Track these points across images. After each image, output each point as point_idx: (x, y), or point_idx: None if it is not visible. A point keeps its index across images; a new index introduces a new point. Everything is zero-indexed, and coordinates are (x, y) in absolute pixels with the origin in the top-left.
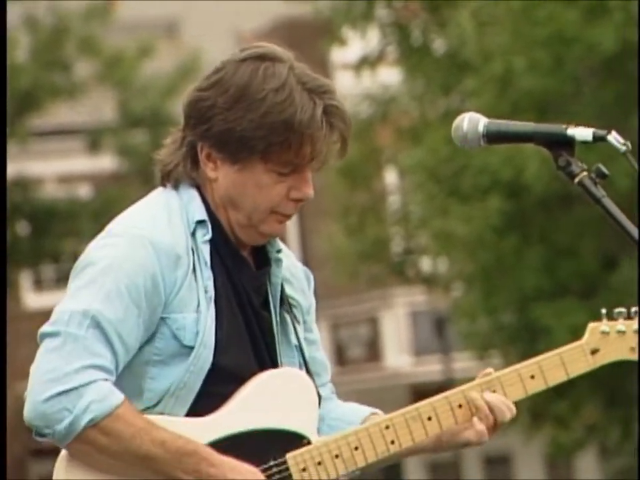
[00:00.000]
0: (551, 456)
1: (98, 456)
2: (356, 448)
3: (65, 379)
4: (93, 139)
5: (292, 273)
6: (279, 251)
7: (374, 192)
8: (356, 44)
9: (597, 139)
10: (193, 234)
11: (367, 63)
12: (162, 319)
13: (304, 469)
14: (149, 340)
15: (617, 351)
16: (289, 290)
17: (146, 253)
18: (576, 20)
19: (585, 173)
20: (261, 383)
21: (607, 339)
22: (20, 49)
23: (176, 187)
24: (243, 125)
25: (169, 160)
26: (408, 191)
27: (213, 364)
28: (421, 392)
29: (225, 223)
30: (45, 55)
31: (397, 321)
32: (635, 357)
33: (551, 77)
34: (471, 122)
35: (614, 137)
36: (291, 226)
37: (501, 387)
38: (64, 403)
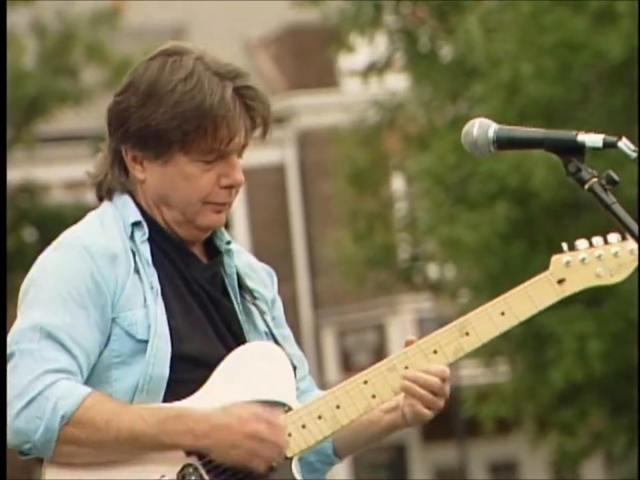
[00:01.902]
0: (556, 463)
1: (84, 451)
2: (337, 407)
3: (27, 390)
4: (100, 145)
5: (251, 267)
6: (228, 242)
7: (381, 198)
8: (363, 50)
9: (607, 146)
10: (132, 237)
11: (375, 69)
12: (113, 320)
13: (289, 434)
14: (105, 344)
15: (583, 278)
16: (249, 282)
17: (80, 256)
18: (584, 27)
19: (595, 179)
20: (233, 359)
21: (572, 269)
22: (27, 55)
23: (110, 196)
24: (156, 119)
25: (99, 172)
26: (415, 198)
27: (175, 353)
28: None
29: (162, 222)
30: (52, 61)
31: (403, 328)
32: (600, 282)
33: (558, 84)
34: (481, 128)
35: (624, 144)
36: (298, 232)
37: (472, 327)
38: (32, 412)
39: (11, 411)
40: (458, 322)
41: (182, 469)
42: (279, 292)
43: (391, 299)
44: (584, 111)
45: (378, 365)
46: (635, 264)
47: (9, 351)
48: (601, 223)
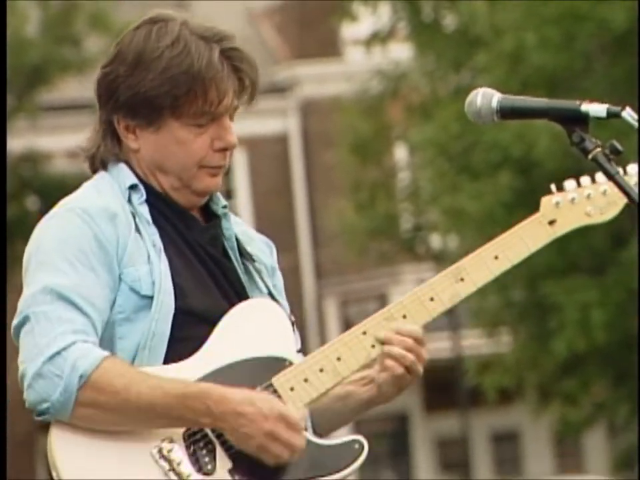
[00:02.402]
0: (559, 433)
1: (102, 416)
2: (338, 359)
3: (46, 349)
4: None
5: (248, 236)
6: (225, 207)
7: (384, 168)
8: (367, 20)
9: (611, 115)
10: (129, 200)
11: (378, 39)
12: (119, 277)
13: (292, 389)
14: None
15: (573, 218)
16: (248, 248)
17: (80, 219)
18: None
19: (599, 149)
20: (233, 316)
21: (561, 209)
22: (30, 24)
23: (104, 167)
24: (146, 86)
25: (92, 144)
26: (418, 167)
27: (178, 309)
28: (430, 369)
29: (159, 189)
30: (54, 30)
31: None
32: (591, 221)
33: (561, 54)
34: (485, 97)
35: (628, 113)
36: (300, 202)
37: (467, 272)
38: (52, 370)
39: (31, 371)
40: (452, 268)
41: (187, 429)
42: (282, 261)
43: (394, 269)
44: (587, 81)
45: (375, 315)
46: (624, 201)
47: (21, 315)
48: None
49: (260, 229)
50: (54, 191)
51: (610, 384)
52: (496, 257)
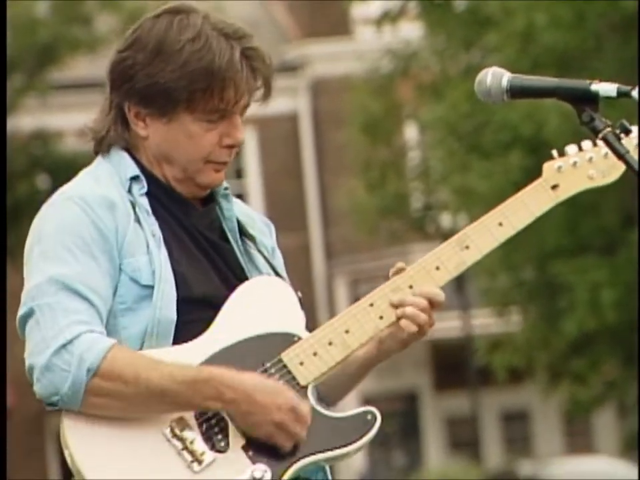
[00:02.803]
0: (569, 413)
1: (113, 404)
2: (346, 331)
3: (52, 341)
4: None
5: (248, 216)
6: (226, 188)
7: (394, 147)
8: None
9: (621, 95)
10: (130, 191)
11: (388, 18)
12: (119, 266)
13: (301, 363)
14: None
15: (576, 182)
16: (248, 229)
17: (79, 207)
18: None
19: (608, 129)
20: (239, 296)
21: (564, 174)
22: (41, 3)
23: (107, 152)
24: (164, 77)
25: (100, 127)
26: (428, 147)
27: (181, 296)
28: (440, 348)
29: (162, 179)
30: (65, 9)
31: None
32: (594, 184)
33: (572, 33)
34: (495, 76)
35: (638, 93)
36: (311, 182)
37: (471, 240)
38: (59, 364)
39: (39, 364)
40: (457, 237)
41: None
42: (292, 241)
43: (404, 248)
44: (598, 60)
45: (382, 286)
46: None
47: (27, 307)
48: None
49: (270, 208)
50: (64, 169)
51: (620, 363)
52: (500, 224)
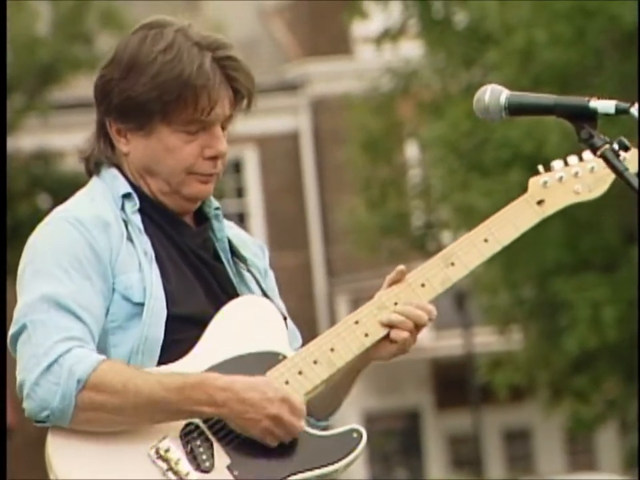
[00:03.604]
0: (570, 430)
1: (102, 417)
2: (331, 349)
3: (43, 358)
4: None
5: (241, 239)
6: (217, 208)
7: (395, 166)
8: (377, 17)
9: (620, 112)
10: (122, 208)
11: (389, 36)
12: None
13: (286, 382)
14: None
15: (562, 197)
16: (240, 250)
17: (74, 228)
18: None
19: (607, 146)
20: (224, 315)
21: (549, 189)
22: (41, 22)
23: (98, 171)
24: (137, 90)
25: (87, 147)
26: (429, 165)
27: (170, 314)
28: (442, 366)
29: (150, 194)
30: (66, 28)
31: None
32: (580, 199)
33: (572, 50)
34: (493, 94)
35: (637, 110)
36: (311, 200)
37: (457, 257)
38: (50, 379)
39: (29, 380)
40: (441, 254)
41: (184, 428)
42: (293, 259)
43: (405, 266)
44: (598, 77)
45: (367, 304)
46: (612, 177)
47: (19, 324)
48: (615, 190)
49: (271, 226)
50: (65, 188)
51: (621, 381)
52: (485, 240)
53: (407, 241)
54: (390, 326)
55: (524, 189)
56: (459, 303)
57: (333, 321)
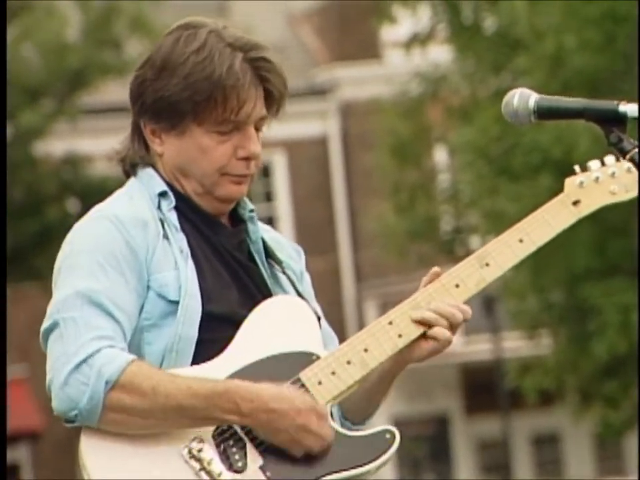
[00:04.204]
0: (600, 436)
1: (130, 419)
2: (365, 350)
3: (73, 357)
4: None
5: (277, 242)
6: (251, 211)
7: (424, 170)
8: (406, 22)
9: None
10: (159, 207)
11: (418, 41)
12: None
13: (319, 382)
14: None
15: (598, 197)
16: (278, 254)
17: (112, 225)
18: None
19: (636, 149)
20: (257, 315)
21: (586, 189)
22: (71, 28)
23: (134, 172)
24: (169, 91)
25: (122, 148)
26: (458, 170)
27: (205, 313)
28: (471, 371)
29: (184, 194)
30: (95, 34)
31: None
32: (616, 199)
33: (602, 55)
34: (522, 98)
35: None
36: (340, 205)
37: (492, 257)
38: (79, 378)
39: (58, 378)
40: (476, 254)
41: (217, 428)
42: (322, 264)
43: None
44: (628, 82)
45: (401, 304)
46: None
47: (51, 320)
48: None
49: (300, 231)
50: (94, 193)
51: None
52: (520, 240)
53: (435, 246)
54: (423, 323)
55: (553, 194)
56: (487, 307)
57: (361, 326)
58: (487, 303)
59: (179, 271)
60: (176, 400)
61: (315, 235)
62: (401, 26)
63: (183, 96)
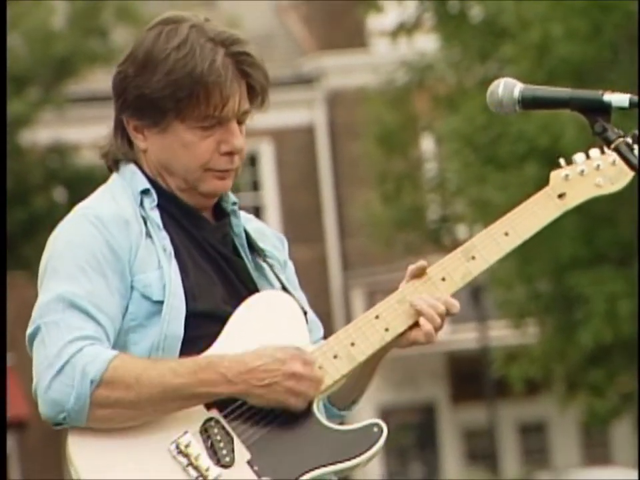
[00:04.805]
0: (586, 424)
1: (118, 412)
2: (352, 344)
3: (55, 359)
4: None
5: (260, 232)
6: (234, 203)
7: (410, 159)
8: (393, 11)
9: (634, 105)
10: (141, 204)
11: (404, 30)
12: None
13: None
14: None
15: (583, 190)
16: (259, 243)
17: (93, 226)
18: None
19: (621, 139)
20: (244, 310)
21: (571, 182)
22: (57, 16)
23: (116, 167)
24: (151, 87)
25: (106, 143)
26: (444, 159)
27: (189, 311)
28: (457, 360)
29: (168, 190)
30: (82, 22)
31: None
32: (601, 192)
33: (588, 45)
34: (506, 87)
35: None
36: (327, 194)
37: (477, 250)
38: (63, 380)
39: (42, 383)
40: (462, 247)
41: (204, 423)
42: (308, 253)
43: (420, 260)
44: (614, 72)
45: (388, 298)
46: None
47: (34, 325)
48: (631, 184)
49: (286, 220)
50: (81, 182)
51: (636, 375)
52: (506, 234)
53: (422, 235)
54: (419, 313)
55: (540, 183)
56: (474, 296)
57: (348, 314)
58: (474, 291)
59: (162, 270)
60: (162, 385)
61: (301, 224)
62: (387, 15)
63: (165, 93)
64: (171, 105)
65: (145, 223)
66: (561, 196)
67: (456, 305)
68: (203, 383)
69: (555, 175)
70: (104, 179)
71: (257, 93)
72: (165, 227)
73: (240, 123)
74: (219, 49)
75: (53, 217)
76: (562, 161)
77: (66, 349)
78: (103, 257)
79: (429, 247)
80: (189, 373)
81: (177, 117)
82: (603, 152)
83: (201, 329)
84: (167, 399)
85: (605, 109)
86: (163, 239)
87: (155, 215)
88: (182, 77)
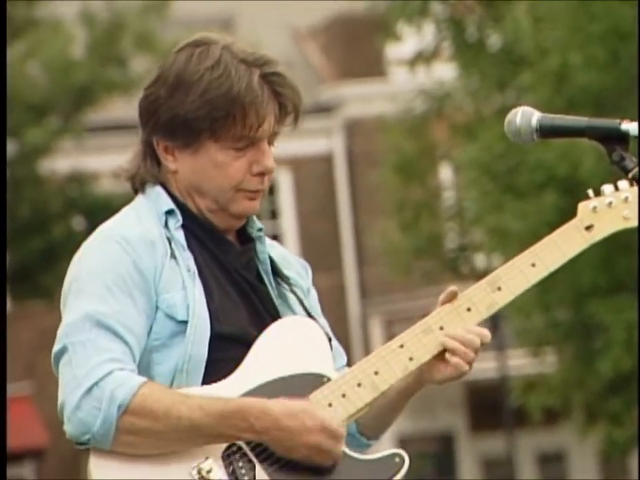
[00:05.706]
0: (605, 453)
1: (143, 441)
2: (375, 373)
3: (84, 380)
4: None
5: (284, 259)
6: (260, 229)
7: (428, 188)
8: (411, 39)
9: None
10: (166, 225)
11: (422, 58)
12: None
13: (329, 404)
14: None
15: (611, 222)
16: (283, 270)
17: (120, 246)
18: (632, 15)
19: (637, 168)
20: (268, 336)
21: (599, 214)
22: (77, 45)
23: (143, 189)
24: (185, 108)
25: (132, 165)
26: (462, 187)
27: (214, 332)
28: (475, 389)
29: (196, 211)
30: (101, 51)
31: None
32: (629, 225)
33: (607, 73)
34: (524, 116)
35: None
36: (345, 222)
37: (503, 281)
38: (90, 402)
39: (70, 402)
40: (488, 278)
41: (226, 449)
42: (326, 281)
43: (438, 289)
44: (632, 100)
45: (412, 327)
46: None
47: (61, 344)
48: None
49: (305, 248)
50: (100, 211)
51: None
52: (533, 264)
53: (440, 263)
54: (446, 349)
55: (558, 211)
56: (492, 325)
57: (366, 343)
58: (492, 320)
59: (186, 291)
60: (189, 421)
61: (320, 252)
62: (405, 44)
63: (199, 113)
64: (205, 125)
65: (170, 244)
66: (588, 228)
67: (488, 335)
68: (230, 427)
69: (583, 207)
70: (122, 207)
71: (287, 113)
72: (189, 247)
73: (270, 143)
74: (253, 70)
75: (71, 245)
76: (590, 192)
77: (94, 371)
78: (130, 278)
79: (447, 276)
80: (218, 414)
81: (211, 137)
82: (632, 184)
83: (226, 351)
84: (193, 435)
85: (622, 138)
86: (187, 259)
87: (180, 236)
88: (217, 97)
